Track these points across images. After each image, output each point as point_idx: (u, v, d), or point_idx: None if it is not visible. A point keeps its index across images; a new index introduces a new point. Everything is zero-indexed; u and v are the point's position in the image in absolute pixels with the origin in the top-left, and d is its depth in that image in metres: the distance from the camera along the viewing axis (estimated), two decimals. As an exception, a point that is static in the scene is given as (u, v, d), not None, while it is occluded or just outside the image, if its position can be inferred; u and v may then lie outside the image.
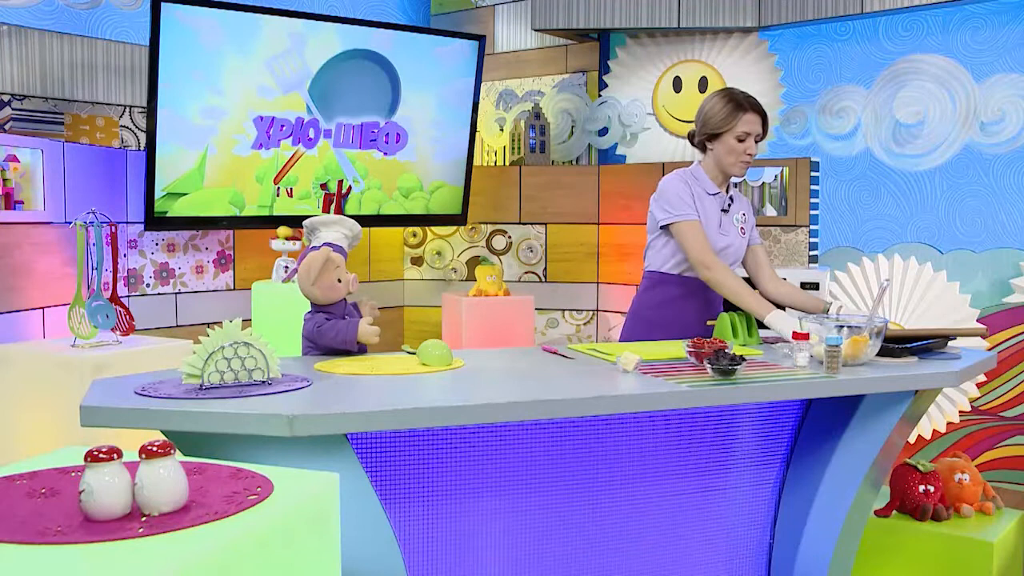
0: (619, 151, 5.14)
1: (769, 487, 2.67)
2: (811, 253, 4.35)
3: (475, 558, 2.31)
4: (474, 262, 5.02)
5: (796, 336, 2.46)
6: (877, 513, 3.02)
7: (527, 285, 5.07)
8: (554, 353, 2.62)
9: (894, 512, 3.04)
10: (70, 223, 3.55)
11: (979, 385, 4.00)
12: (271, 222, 4.33)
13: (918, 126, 4.29)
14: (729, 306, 2.93)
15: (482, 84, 5.14)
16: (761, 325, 2.86)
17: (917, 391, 2.44)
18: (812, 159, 4.36)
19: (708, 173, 3.02)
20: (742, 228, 3.06)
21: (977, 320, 3.95)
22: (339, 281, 2.46)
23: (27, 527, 1.11)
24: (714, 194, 3.00)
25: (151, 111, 3.86)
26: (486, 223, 5.12)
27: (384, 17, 5.34)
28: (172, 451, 1.19)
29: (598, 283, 5.03)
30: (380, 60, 4.52)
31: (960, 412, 4.01)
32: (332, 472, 1.35)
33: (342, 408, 1.88)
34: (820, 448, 2.60)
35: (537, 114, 5.18)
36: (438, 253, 5.19)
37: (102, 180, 3.86)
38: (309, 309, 2.53)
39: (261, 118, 4.19)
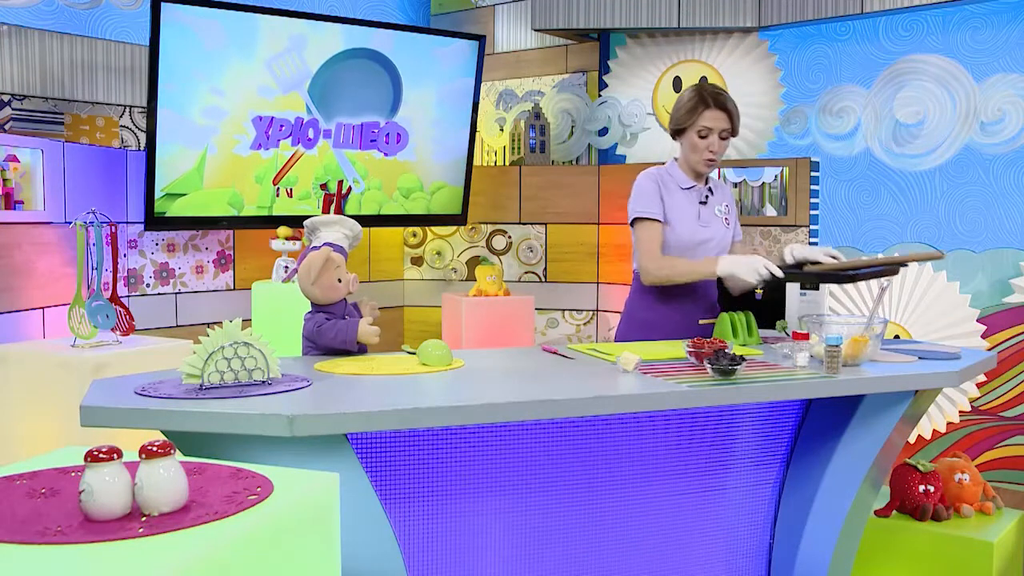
0: (619, 151, 5.14)
1: (769, 487, 2.67)
2: (811, 253, 4.34)
3: (475, 558, 2.31)
4: (474, 262, 5.02)
5: (796, 336, 2.46)
6: (877, 513, 3.02)
7: (527, 285, 5.07)
8: (554, 353, 2.62)
9: (894, 512, 3.04)
10: (70, 223, 3.55)
11: (979, 385, 4.00)
12: (271, 222, 4.33)
13: (918, 126, 4.29)
14: (728, 306, 2.92)
15: (482, 84, 5.14)
16: (757, 323, 2.86)
17: (917, 391, 2.44)
18: (812, 159, 4.36)
19: (681, 167, 3.03)
20: (726, 219, 3.06)
21: (977, 320, 3.96)
22: (339, 281, 2.46)
23: (27, 527, 1.11)
24: (688, 188, 3.00)
25: (151, 111, 3.86)
26: (486, 223, 5.12)
27: (384, 17, 5.34)
28: (172, 451, 1.19)
29: (598, 283, 5.03)
30: (381, 59, 4.52)
31: (960, 412, 4.01)
32: (332, 472, 1.35)
33: (342, 408, 1.88)
34: (820, 448, 2.60)
35: (537, 114, 5.18)
36: (438, 253, 5.19)
37: (102, 180, 3.86)
38: (309, 309, 2.53)
39: (260, 118, 4.19)
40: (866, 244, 4.43)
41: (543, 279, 5.08)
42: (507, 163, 5.29)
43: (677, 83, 4.94)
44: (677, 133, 3.00)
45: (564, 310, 5.07)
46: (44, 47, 3.90)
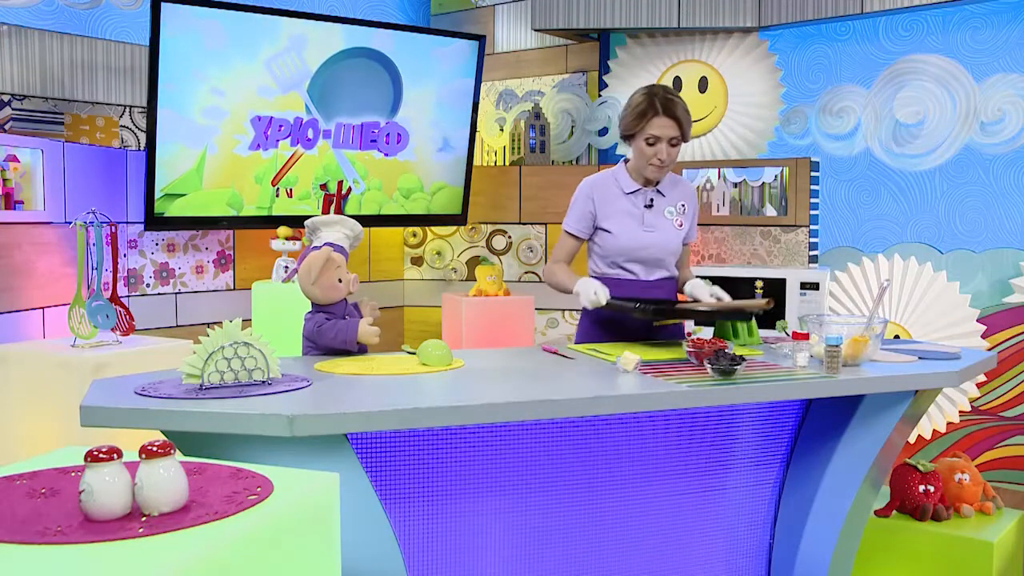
0: (619, 151, 5.14)
1: (769, 487, 2.67)
2: (811, 253, 4.35)
3: (475, 558, 2.31)
4: (474, 262, 5.02)
5: (796, 336, 2.46)
6: (877, 513, 3.02)
7: (527, 285, 5.07)
8: (554, 353, 2.62)
9: (894, 512, 3.04)
10: (70, 223, 3.55)
11: (979, 385, 4.00)
12: (271, 222, 4.32)
13: (918, 126, 4.29)
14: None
15: (482, 84, 5.14)
16: (757, 323, 2.86)
17: (917, 391, 2.44)
18: (812, 159, 4.36)
19: (629, 171, 2.98)
20: (679, 222, 2.98)
21: (977, 320, 3.96)
22: (340, 281, 2.46)
23: (27, 527, 1.11)
24: (632, 192, 2.95)
25: (151, 111, 3.86)
26: (486, 223, 5.12)
27: (384, 17, 5.34)
28: (172, 451, 1.19)
29: (598, 283, 5.02)
30: (381, 59, 4.52)
31: (960, 412, 4.01)
32: (332, 472, 1.35)
33: (342, 408, 1.88)
34: (820, 448, 2.60)
35: (537, 114, 5.18)
36: (438, 253, 5.19)
37: (102, 180, 3.86)
38: (309, 309, 2.53)
39: (259, 118, 4.19)
40: (866, 244, 4.43)
41: (543, 279, 5.08)
42: (507, 163, 5.29)
43: (677, 83, 4.94)
44: (626, 138, 2.94)
45: (564, 310, 5.07)
46: (44, 47, 3.90)
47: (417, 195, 4.80)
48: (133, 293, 4.06)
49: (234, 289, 4.47)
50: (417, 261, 5.24)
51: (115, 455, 1.15)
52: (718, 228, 4.59)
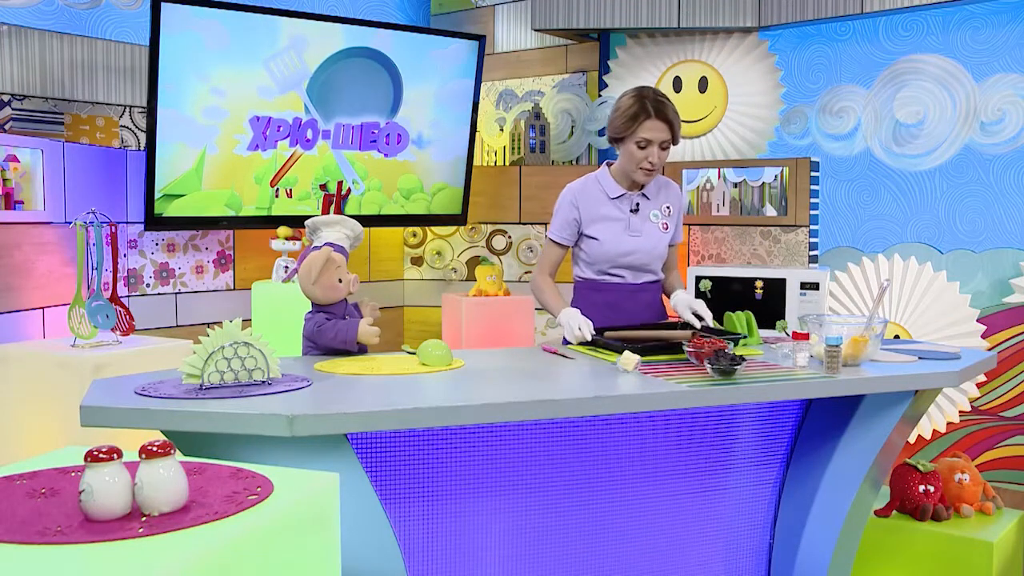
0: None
1: (769, 487, 2.67)
2: (811, 253, 4.35)
3: (475, 558, 2.31)
4: (474, 262, 5.02)
5: (796, 336, 2.46)
6: (877, 513, 3.02)
7: (527, 285, 5.06)
8: (554, 353, 2.62)
9: (894, 512, 3.04)
10: (70, 223, 3.55)
11: (979, 385, 4.00)
12: (270, 222, 4.32)
13: (918, 126, 4.29)
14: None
15: (482, 84, 5.14)
16: (757, 323, 2.85)
17: (917, 391, 2.44)
18: (812, 159, 4.36)
19: (614, 175, 2.95)
20: (664, 224, 2.97)
21: (977, 320, 3.96)
22: (340, 281, 2.46)
23: (27, 527, 1.11)
24: (617, 196, 2.93)
25: (151, 111, 3.86)
26: (486, 223, 5.12)
27: (384, 17, 5.34)
28: (172, 451, 1.19)
29: (598, 283, 5.02)
30: (381, 59, 4.52)
31: (960, 412, 4.01)
32: (332, 472, 1.35)
33: (342, 408, 1.88)
34: (820, 448, 2.60)
35: (537, 114, 5.18)
36: (438, 253, 5.19)
37: (102, 180, 3.86)
38: (309, 309, 2.53)
39: (257, 118, 4.19)
40: (866, 244, 4.43)
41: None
42: (507, 163, 5.29)
43: (677, 83, 4.94)
44: (614, 141, 2.90)
45: (564, 310, 5.07)
46: (44, 47, 3.90)
47: (417, 196, 4.80)
48: (133, 293, 4.06)
49: (234, 289, 4.47)
50: (417, 261, 5.24)
51: (115, 455, 1.15)
52: (718, 228, 4.59)
